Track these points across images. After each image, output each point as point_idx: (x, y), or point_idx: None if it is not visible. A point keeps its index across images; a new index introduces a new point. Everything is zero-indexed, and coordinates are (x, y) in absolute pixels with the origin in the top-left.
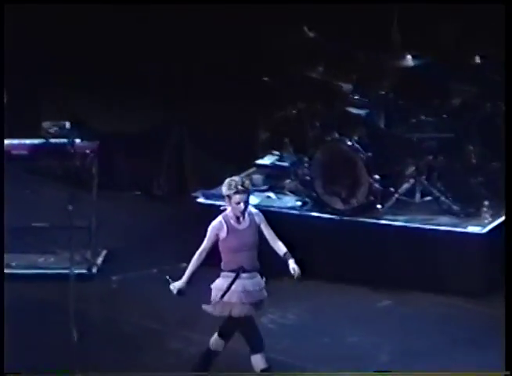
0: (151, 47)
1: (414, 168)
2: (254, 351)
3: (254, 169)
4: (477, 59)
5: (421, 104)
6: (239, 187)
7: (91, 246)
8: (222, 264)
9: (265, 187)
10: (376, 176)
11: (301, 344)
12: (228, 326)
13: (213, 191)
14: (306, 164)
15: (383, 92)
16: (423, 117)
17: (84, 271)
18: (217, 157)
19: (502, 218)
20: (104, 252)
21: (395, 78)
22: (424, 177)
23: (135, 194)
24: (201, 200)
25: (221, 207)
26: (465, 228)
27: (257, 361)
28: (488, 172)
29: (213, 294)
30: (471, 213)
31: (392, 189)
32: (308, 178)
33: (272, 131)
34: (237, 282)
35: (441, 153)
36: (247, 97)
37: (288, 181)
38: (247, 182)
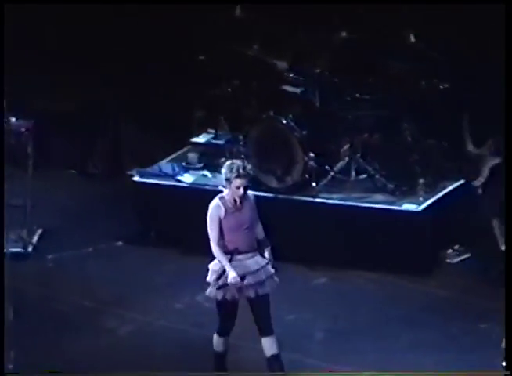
0: (85, 25)
1: (349, 145)
2: (264, 334)
3: (189, 147)
4: (412, 38)
5: (356, 82)
6: (241, 171)
7: (27, 225)
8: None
9: (200, 165)
10: (311, 154)
11: (238, 322)
12: (221, 311)
13: (148, 169)
14: (241, 143)
15: (318, 70)
16: (358, 95)
17: (19, 250)
18: (152, 136)
19: (438, 196)
20: (40, 231)
21: (330, 56)
22: (359, 155)
23: (71, 173)
24: (136, 178)
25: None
26: (400, 206)
27: (267, 345)
28: (423, 150)
29: (210, 276)
30: (406, 191)
31: (327, 167)
32: (242, 156)
33: (207, 109)
34: (236, 264)
35: (377, 130)
36: (182, 75)
37: (223, 159)
38: (248, 167)
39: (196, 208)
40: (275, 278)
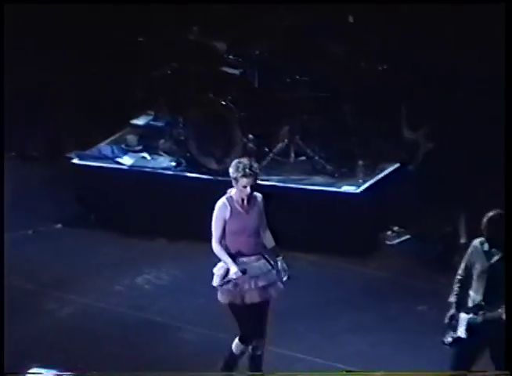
0: (25, 8)
1: (288, 127)
2: (261, 336)
3: (128, 129)
4: (351, 19)
5: (296, 64)
6: (247, 170)
7: None
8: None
9: (139, 147)
10: (251, 136)
11: (176, 304)
12: (244, 318)
13: (87, 152)
14: (180, 125)
15: (257, 52)
16: (297, 77)
17: None
18: (92, 118)
19: (377, 178)
20: None
21: (270, 38)
22: (298, 137)
23: (11, 155)
24: (76, 161)
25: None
26: (339, 187)
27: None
28: (363, 132)
29: (214, 280)
30: (345, 173)
31: (266, 148)
32: (182, 138)
33: (147, 91)
34: (240, 267)
35: (316, 112)
36: (123, 57)
37: (162, 141)
38: (255, 166)
39: (135, 190)
40: (280, 284)
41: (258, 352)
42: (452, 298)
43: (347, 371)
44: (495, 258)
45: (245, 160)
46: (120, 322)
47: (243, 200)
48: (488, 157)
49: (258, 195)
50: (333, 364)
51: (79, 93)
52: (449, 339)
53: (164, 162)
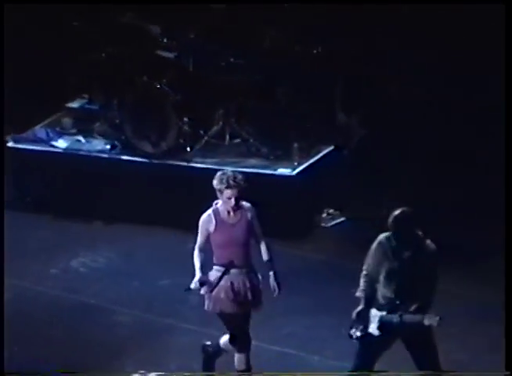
0: None
1: (223, 110)
2: (238, 351)
3: (63, 112)
4: (287, 6)
5: (231, 47)
6: (231, 182)
7: None
8: (214, 257)
9: (74, 131)
10: (186, 119)
11: (112, 287)
12: (226, 325)
13: (23, 135)
14: (115, 108)
15: (192, 35)
16: (232, 60)
17: None
18: (26, 101)
19: (312, 160)
20: None
21: (205, 21)
22: (234, 119)
23: None
24: (11, 144)
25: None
26: (275, 170)
27: (239, 361)
28: (298, 115)
29: (204, 287)
30: (281, 155)
31: (201, 131)
32: (117, 121)
33: (82, 74)
34: (226, 277)
35: (251, 95)
36: (58, 41)
37: (97, 124)
38: (240, 177)
39: (70, 173)
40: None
41: (243, 369)
42: (359, 293)
43: (348, 372)
44: (405, 254)
45: (229, 172)
46: (55, 305)
47: (228, 212)
48: (421, 143)
49: (247, 205)
50: (269, 347)
51: (14, 76)
52: (358, 334)
53: (99, 145)
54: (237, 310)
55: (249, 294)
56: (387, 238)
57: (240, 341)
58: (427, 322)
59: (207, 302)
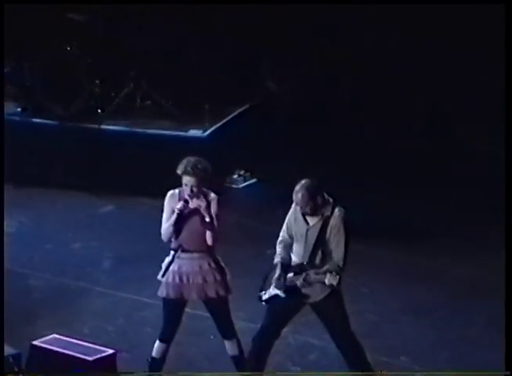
0: None
1: (134, 72)
2: (224, 337)
3: None
4: None
5: (143, 12)
6: (188, 168)
7: None
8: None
9: None
10: (97, 81)
11: (24, 251)
12: (164, 310)
13: None
14: (26, 71)
15: None
16: (144, 24)
17: None
18: None
19: (223, 121)
20: None
21: None
22: (144, 81)
23: None
24: None
25: None
26: (186, 132)
27: (228, 347)
28: (210, 77)
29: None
30: (192, 116)
31: (113, 93)
32: (28, 84)
33: None
34: (176, 261)
35: (162, 57)
36: None
37: (8, 87)
38: (201, 166)
39: None
40: (216, 286)
41: (235, 354)
42: (276, 259)
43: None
44: (312, 221)
45: (193, 158)
46: None
47: (185, 199)
48: (340, 110)
49: (211, 195)
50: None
51: None
52: (266, 296)
53: (11, 108)
54: (181, 295)
55: (198, 279)
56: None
57: (226, 328)
58: (327, 281)
59: (159, 288)
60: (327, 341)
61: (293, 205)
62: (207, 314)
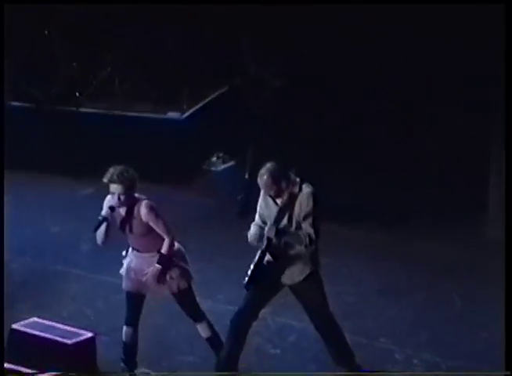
0: None
1: (111, 55)
2: (195, 321)
3: None
4: None
5: None
6: (114, 177)
7: None
8: None
9: None
10: (74, 64)
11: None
12: (126, 300)
13: None
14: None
15: None
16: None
17: None
18: None
19: (202, 104)
20: None
21: None
22: (123, 64)
23: None
24: None
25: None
26: (164, 114)
27: (200, 330)
28: (187, 60)
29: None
30: (170, 99)
31: (91, 76)
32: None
33: None
34: (129, 257)
35: (140, 40)
36: None
37: None
38: (126, 175)
39: None
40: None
41: (209, 336)
42: (250, 238)
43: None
44: (281, 201)
45: (119, 167)
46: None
47: (111, 206)
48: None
49: (142, 202)
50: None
51: None
52: (246, 279)
53: None
54: (136, 290)
55: (148, 277)
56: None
57: (194, 313)
58: (267, 233)
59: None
60: (306, 323)
61: None
62: None
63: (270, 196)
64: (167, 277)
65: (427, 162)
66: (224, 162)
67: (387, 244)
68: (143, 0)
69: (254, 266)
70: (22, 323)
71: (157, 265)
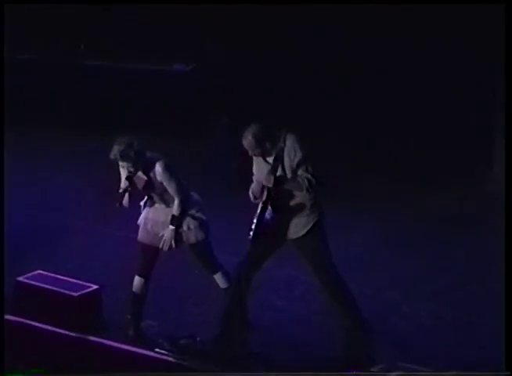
0: None
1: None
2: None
3: None
4: None
5: None
6: (119, 154)
7: None
8: None
9: None
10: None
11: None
12: (140, 252)
13: None
14: None
15: None
16: None
17: None
18: None
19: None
20: None
21: None
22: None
23: None
24: None
25: None
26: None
27: (218, 281)
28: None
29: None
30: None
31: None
32: None
33: None
34: (146, 207)
35: None
36: None
37: None
38: (130, 151)
39: None
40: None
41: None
42: (257, 197)
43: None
44: (271, 158)
45: (123, 143)
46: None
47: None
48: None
49: (157, 167)
50: None
51: None
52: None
53: None
54: (151, 242)
55: (162, 229)
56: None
57: (209, 265)
58: (265, 183)
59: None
60: (311, 275)
61: None
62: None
63: (262, 158)
64: (185, 228)
65: (428, 119)
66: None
67: (394, 197)
68: None
69: (257, 219)
70: (27, 275)
71: (171, 226)
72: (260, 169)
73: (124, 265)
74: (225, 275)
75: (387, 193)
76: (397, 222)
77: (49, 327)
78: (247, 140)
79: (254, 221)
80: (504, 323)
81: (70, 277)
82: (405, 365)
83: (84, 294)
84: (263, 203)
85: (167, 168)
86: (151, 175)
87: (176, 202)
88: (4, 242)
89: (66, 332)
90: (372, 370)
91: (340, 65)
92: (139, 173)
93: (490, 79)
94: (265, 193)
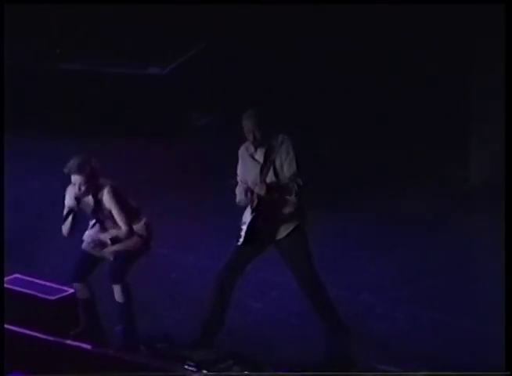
0: None
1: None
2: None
3: None
4: None
5: None
6: (74, 168)
7: None
8: None
9: None
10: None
11: None
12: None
13: None
14: None
15: None
16: None
17: None
18: None
19: (184, 58)
20: None
21: None
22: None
23: None
24: None
25: None
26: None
27: (115, 293)
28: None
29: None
30: (151, 54)
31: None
32: None
33: None
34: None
35: None
36: None
37: None
38: (86, 165)
39: None
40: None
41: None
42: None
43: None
44: (260, 157)
45: (80, 157)
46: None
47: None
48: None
49: (104, 193)
50: None
51: None
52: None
53: None
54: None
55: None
56: (245, 146)
57: (115, 271)
58: (257, 191)
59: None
60: (288, 278)
61: (240, 149)
62: (167, 251)
63: (250, 155)
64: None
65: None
66: (204, 116)
67: (370, 198)
68: None
69: (248, 227)
70: (4, 279)
71: (111, 249)
72: (247, 170)
73: (100, 268)
74: (125, 288)
75: (363, 193)
76: (373, 223)
77: (26, 331)
78: (250, 119)
79: (243, 227)
80: (504, 324)
81: (48, 281)
82: (383, 367)
83: (61, 297)
84: (254, 210)
85: (115, 194)
86: (99, 199)
87: (121, 231)
88: None
89: (44, 336)
90: (351, 372)
91: (334, 65)
92: (88, 197)
93: (490, 80)
94: (255, 201)
